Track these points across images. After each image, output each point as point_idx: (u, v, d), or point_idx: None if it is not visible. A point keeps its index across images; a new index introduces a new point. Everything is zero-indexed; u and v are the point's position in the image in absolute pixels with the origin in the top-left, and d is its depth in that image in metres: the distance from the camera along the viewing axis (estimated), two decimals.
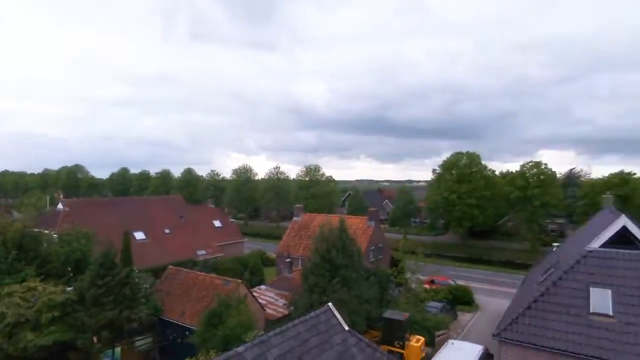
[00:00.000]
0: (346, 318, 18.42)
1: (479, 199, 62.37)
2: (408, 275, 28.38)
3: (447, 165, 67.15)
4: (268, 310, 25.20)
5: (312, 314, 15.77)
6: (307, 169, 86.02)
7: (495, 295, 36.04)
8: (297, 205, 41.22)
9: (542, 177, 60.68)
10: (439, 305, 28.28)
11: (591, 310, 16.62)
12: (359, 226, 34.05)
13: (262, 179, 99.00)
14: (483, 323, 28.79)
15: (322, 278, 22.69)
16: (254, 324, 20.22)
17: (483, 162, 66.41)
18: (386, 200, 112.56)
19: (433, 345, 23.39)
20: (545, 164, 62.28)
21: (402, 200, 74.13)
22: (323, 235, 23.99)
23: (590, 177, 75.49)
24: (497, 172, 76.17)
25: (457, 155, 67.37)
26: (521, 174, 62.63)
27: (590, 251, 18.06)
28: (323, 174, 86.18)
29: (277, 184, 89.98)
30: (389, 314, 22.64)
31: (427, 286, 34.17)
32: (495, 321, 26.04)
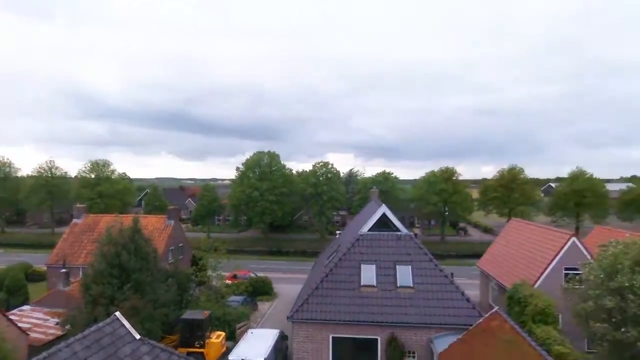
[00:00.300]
0: (139, 327, 16.68)
1: (279, 195, 67.06)
2: (210, 272, 27.94)
3: (250, 164, 69.55)
4: (33, 335, 20.38)
5: (94, 327, 13.62)
6: (92, 164, 73.89)
7: (291, 282, 39.36)
8: (78, 206, 34.82)
9: (329, 175, 70.02)
10: (240, 298, 28.95)
11: (362, 284, 20.12)
12: (156, 226, 31.42)
13: (29, 176, 79.60)
14: (281, 309, 31.04)
15: (110, 286, 19.93)
16: (7, 356, 15.96)
17: (282, 162, 71.72)
18: (189, 199, 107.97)
19: (234, 338, 23.72)
20: (332, 165, 72.25)
21: (205, 198, 72.44)
22: (111, 237, 21.05)
23: (365, 176, 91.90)
24: (294, 171, 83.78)
25: (259, 155, 70.61)
26: (313, 172, 70.68)
27: (361, 235, 21.88)
28: (114, 171, 75.82)
29: (50, 181, 73.98)
30: (188, 314, 21.71)
31: (229, 281, 34.56)
32: (291, 305, 28.49)
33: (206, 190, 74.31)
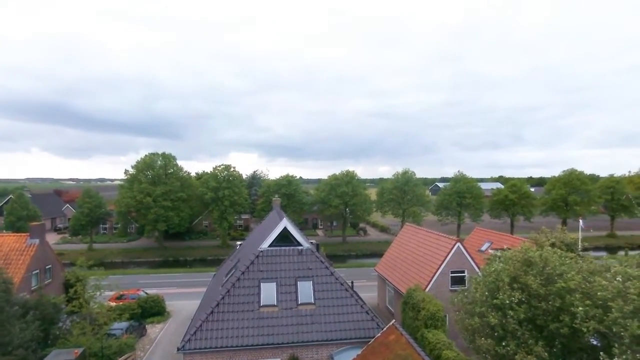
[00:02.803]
0: None
1: (175, 201, 62.19)
2: (91, 295, 23.92)
3: (141, 166, 63.19)
4: None
5: None
6: None
7: (188, 298, 36.42)
8: None
9: (231, 178, 67.17)
10: (125, 325, 25.48)
11: (262, 304, 19.00)
12: (14, 246, 26.02)
13: None
14: (174, 331, 28.28)
15: None
16: None
17: (181, 162, 66.67)
18: (67, 205, 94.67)
19: None
20: (234, 167, 69.37)
21: (87, 205, 63.56)
22: None
23: (269, 177, 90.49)
24: (193, 173, 78.55)
25: (152, 156, 64.58)
26: (213, 175, 67.07)
27: (261, 251, 20.74)
28: None
29: None
30: (53, 355, 18.20)
31: (113, 304, 30.29)
32: (186, 326, 25.99)
33: (88, 195, 65.34)
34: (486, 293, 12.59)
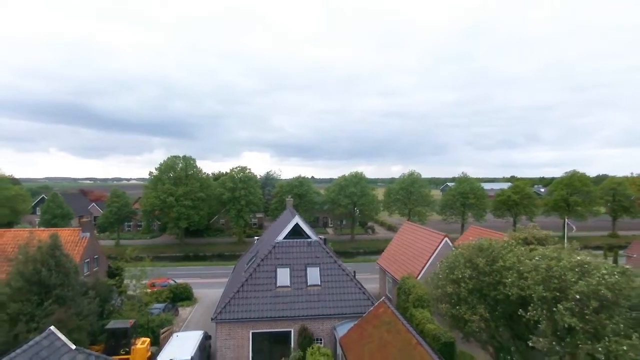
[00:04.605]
0: (67, 338, 17.81)
1: (195, 200, 67.08)
2: (133, 282, 28.60)
3: (164, 168, 68.30)
4: None
5: (32, 342, 15.01)
6: None
7: (210, 287, 41.05)
8: None
9: (246, 179, 71.86)
10: (162, 305, 30.17)
11: (278, 285, 23.32)
12: (69, 239, 30.92)
13: None
14: (201, 312, 32.84)
15: (29, 303, 20.36)
16: None
17: (198, 165, 71.52)
18: (93, 204, 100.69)
19: (158, 343, 25.24)
20: (250, 169, 74.12)
21: (115, 204, 69.05)
22: (28, 254, 21.33)
23: (281, 177, 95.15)
24: (210, 173, 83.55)
25: (174, 159, 69.64)
26: (230, 176, 71.86)
27: (277, 243, 25.06)
28: (4, 176, 68.49)
29: None
30: (112, 324, 22.81)
31: (148, 290, 35.14)
32: (211, 308, 30.59)
33: (115, 195, 70.86)
34: (447, 271, 16.56)
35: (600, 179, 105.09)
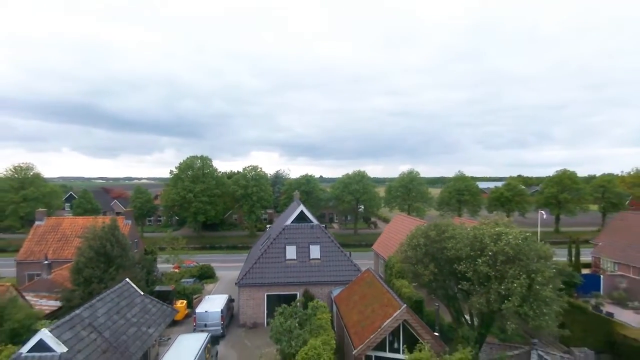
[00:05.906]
0: None
1: (211, 196, 73.66)
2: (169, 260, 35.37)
3: (183, 167, 75.04)
4: (38, 308, 26.44)
5: (116, 287, 21.59)
6: (15, 168, 73.74)
7: (228, 269, 47.55)
8: (40, 210, 39.59)
9: (258, 177, 78.30)
10: (191, 280, 36.69)
11: (286, 258, 29.55)
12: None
13: None
14: (222, 288, 39.28)
15: (98, 269, 26.84)
16: (40, 314, 22.58)
17: (213, 165, 78.19)
18: (115, 200, 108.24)
19: (192, 306, 31.71)
20: (261, 168, 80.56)
21: (139, 200, 76.24)
22: (95, 233, 27.86)
23: (290, 176, 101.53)
24: (222, 172, 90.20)
25: (192, 159, 76.39)
26: (243, 175, 78.39)
27: (286, 226, 31.31)
28: (39, 174, 76.00)
29: None
30: (158, 288, 29.31)
31: (176, 270, 41.85)
32: (230, 284, 37.00)
33: (139, 192, 77.95)
34: (408, 240, 22.70)
35: (589, 178, 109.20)
